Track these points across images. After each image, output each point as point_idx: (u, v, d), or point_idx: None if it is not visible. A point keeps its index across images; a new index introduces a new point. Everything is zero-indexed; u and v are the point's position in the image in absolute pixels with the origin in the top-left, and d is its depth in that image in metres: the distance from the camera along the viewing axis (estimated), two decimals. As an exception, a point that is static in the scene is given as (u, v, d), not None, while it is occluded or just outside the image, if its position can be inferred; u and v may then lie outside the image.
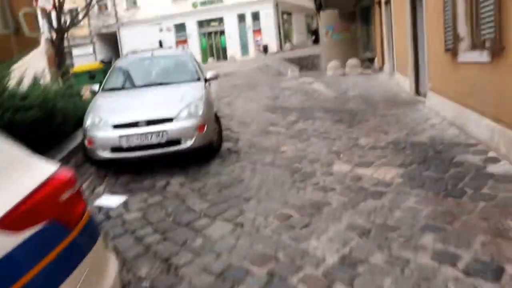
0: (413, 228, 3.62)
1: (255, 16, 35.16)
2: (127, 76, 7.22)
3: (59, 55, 24.60)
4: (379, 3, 14.69)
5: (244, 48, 35.98)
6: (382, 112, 8.54)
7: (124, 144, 5.61)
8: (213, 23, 37.11)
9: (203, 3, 36.36)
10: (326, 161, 5.74)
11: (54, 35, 24.74)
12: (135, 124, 5.65)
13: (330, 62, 17.45)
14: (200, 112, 5.90)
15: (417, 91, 9.64)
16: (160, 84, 6.78)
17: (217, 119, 6.83)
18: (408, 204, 4.11)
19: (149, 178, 5.80)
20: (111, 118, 5.79)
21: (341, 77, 15.25)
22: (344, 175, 5.16)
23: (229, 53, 35.72)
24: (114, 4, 38.95)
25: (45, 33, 13.65)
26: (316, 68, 23.02)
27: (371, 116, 8.33)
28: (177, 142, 5.71)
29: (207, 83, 7.25)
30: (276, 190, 4.84)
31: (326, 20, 21.39)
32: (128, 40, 38.59)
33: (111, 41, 40.19)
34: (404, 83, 10.81)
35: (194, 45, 37.19)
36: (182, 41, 37.52)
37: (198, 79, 6.92)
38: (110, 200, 5.17)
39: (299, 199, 4.52)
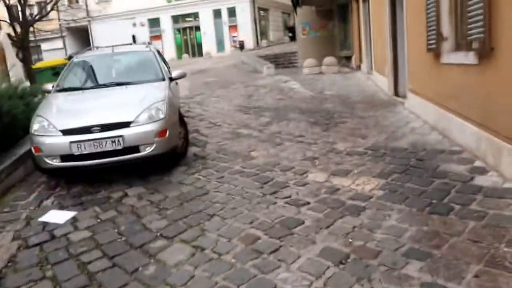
0: (396, 254, 3.18)
1: (231, 12, 34.52)
2: (84, 75, 6.60)
3: (24, 50, 23.57)
4: (357, 0, 14.32)
5: (220, 44, 35.32)
6: (360, 114, 8.13)
7: (75, 151, 5.01)
8: (188, 18, 36.35)
9: (178, -2, 35.56)
10: (300, 169, 5.27)
11: (17, 29, 23.69)
12: (87, 129, 5.05)
13: (306, 59, 17.02)
14: (162, 116, 5.33)
15: (396, 92, 9.27)
16: (120, 84, 6.16)
17: (182, 121, 6.29)
18: (389, 223, 3.67)
19: (104, 189, 5.23)
20: (60, 123, 5.17)
21: (318, 75, 14.83)
22: (319, 185, 4.70)
23: (205, 49, 35.01)
24: (85, -2, 37.74)
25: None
26: (292, 66, 22.61)
27: (349, 118, 7.91)
28: (135, 149, 5.14)
29: (172, 83, 6.70)
30: (243, 205, 4.33)
31: (303, 17, 20.94)
32: (100, 35, 37.52)
33: (82, 35, 39.01)
34: (382, 83, 10.44)
35: (169, 40, 36.47)
36: (156, 37, 36.65)
37: (162, 79, 6.34)
38: (58, 216, 4.58)
39: (269, 215, 4.02)
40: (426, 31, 6.11)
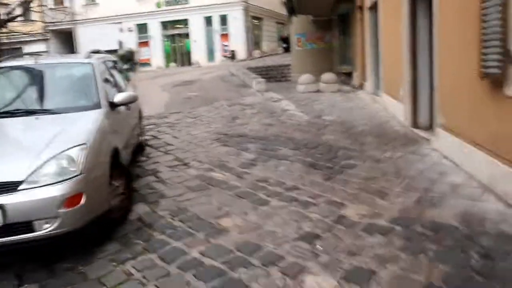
0: None
1: (223, 20, 32.63)
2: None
3: (-6, 53, 21.49)
4: (361, 8, 12.49)
5: (210, 54, 33.38)
6: (372, 153, 6.20)
7: None
8: (177, 25, 34.41)
9: (167, 3, 33.62)
10: (293, 262, 3.31)
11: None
12: None
13: (302, 74, 15.17)
14: (75, 170, 3.35)
15: (415, 123, 7.36)
16: (32, 112, 4.17)
17: (123, 169, 4.32)
18: None
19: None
20: None
21: (315, 94, 12.85)
22: (325, 306, 2.74)
23: (194, 58, 33.03)
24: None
25: None
26: (285, 79, 20.76)
27: (358, 158, 5.98)
28: (26, 226, 3.15)
29: (120, 109, 4.75)
30: None
31: (298, 27, 19.14)
32: (85, 39, 35.61)
33: (67, 39, 36.97)
34: (394, 108, 8.55)
35: (157, 47, 34.52)
36: (144, 43, 34.79)
37: (97, 105, 4.36)
38: None
39: None
40: (480, 48, 4.21)
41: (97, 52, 5.92)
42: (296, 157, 6.22)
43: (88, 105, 4.31)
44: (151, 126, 9.30)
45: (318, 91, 13.02)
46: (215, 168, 5.86)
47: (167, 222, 4.17)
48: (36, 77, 4.75)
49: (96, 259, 3.53)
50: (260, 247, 3.56)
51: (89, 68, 4.80)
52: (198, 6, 32.13)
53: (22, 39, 34.14)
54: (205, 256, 3.47)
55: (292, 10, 14.97)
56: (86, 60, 4.99)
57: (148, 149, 7.13)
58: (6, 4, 23.56)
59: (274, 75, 20.96)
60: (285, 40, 35.92)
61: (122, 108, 4.89)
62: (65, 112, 4.13)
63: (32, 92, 4.56)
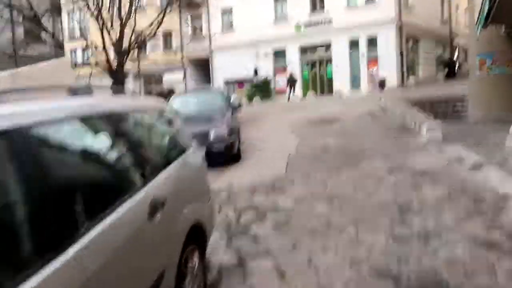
0: None
1: (371, 42, 27.78)
2: None
3: (116, 80, 19.83)
4: None
5: (355, 81, 28.70)
6: None
7: None
8: (318, 49, 30.52)
9: (308, 25, 30.03)
10: None
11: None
12: None
13: (486, 111, 9.89)
14: None
15: None
16: None
17: None
18: None
19: None
20: None
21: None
22: None
23: (336, 85, 28.66)
24: (208, 28, 34.45)
25: None
26: (458, 116, 15.34)
27: None
28: None
29: None
30: None
31: (481, 44, 13.77)
32: (221, 66, 33.92)
33: (204, 66, 35.76)
34: None
35: (295, 74, 31.03)
36: (281, 69, 31.66)
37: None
38: None
39: None
40: None
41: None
42: None
43: None
44: (247, 217, 5.20)
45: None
46: None
47: None
48: None
49: None
50: None
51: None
52: (343, 27, 27.85)
53: (166, 68, 34.33)
54: None
55: (486, 18, 9.85)
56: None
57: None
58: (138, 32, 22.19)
59: (441, 112, 15.55)
60: (448, 64, 29.84)
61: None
62: None
63: None
